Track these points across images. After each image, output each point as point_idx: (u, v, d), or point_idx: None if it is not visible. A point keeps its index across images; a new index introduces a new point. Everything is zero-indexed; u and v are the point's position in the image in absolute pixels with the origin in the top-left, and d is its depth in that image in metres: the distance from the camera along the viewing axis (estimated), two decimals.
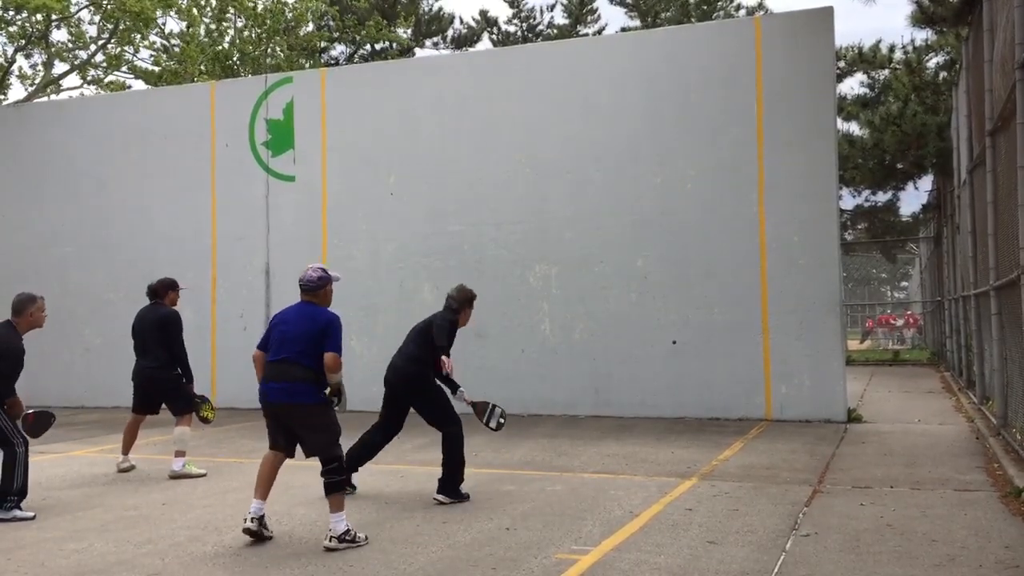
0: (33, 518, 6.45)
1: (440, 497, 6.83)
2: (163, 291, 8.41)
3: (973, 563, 5.05)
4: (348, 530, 5.56)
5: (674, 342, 11.97)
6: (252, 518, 5.67)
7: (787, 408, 11.49)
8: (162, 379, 8.21)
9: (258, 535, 5.68)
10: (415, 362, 7.10)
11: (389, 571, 5.05)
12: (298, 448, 5.88)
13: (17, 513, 6.46)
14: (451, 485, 6.88)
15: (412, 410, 7.26)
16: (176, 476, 7.92)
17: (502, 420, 7.29)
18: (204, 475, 8.03)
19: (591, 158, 12.49)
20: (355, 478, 7.24)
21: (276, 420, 5.84)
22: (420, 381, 7.08)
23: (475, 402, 7.28)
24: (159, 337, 8.18)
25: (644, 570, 4.99)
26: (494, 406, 7.32)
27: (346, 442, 6.05)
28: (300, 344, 5.68)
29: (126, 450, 8.42)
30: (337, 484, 5.62)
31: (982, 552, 5.27)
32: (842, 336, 11.87)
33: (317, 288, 5.88)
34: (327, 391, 5.76)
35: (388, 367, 7.27)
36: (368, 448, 7.29)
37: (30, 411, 6.91)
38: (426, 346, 7.09)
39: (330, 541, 5.52)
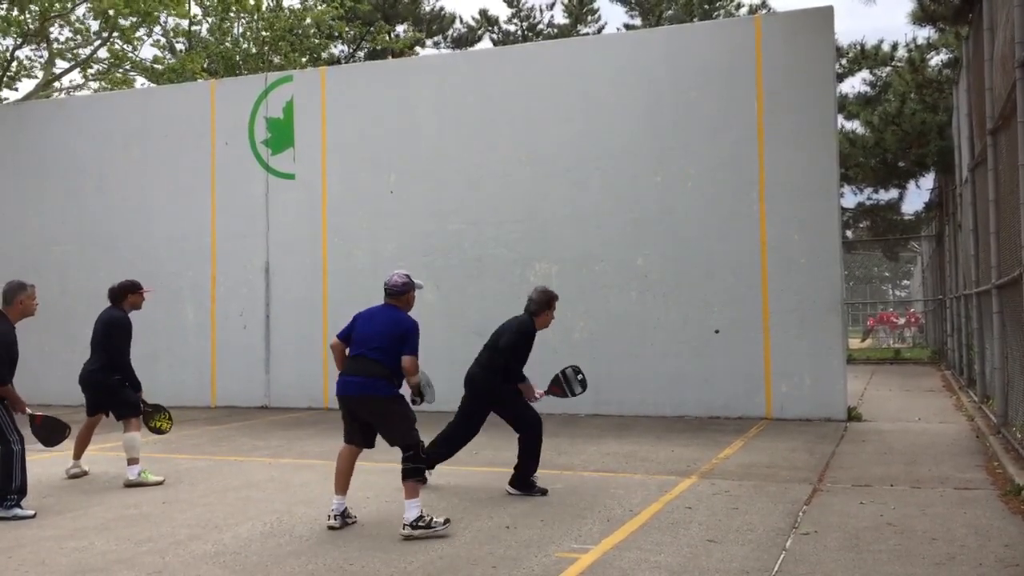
0: (33, 516, 6.46)
1: (510, 489, 7.04)
2: (121, 294, 7.92)
3: (973, 561, 5.05)
4: (421, 516, 5.63)
5: (717, 331, 11.91)
6: (334, 515, 5.98)
7: (787, 407, 11.48)
8: (98, 382, 7.83)
9: (341, 528, 5.95)
10: (484, 370, 7.26)
11: (389, 569, 5.05)
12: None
13: (18, 511, 6.46)
14: (522, 479, 7.06)
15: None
16: (131, 485, 7.52)
17: (580, 378, 7.31)
18: (161, 482, 7.64)
19: (591, 157, 12.48)
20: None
21: (352, 413, 6.09)
22: (487, 390, 7.22)
23: (550, 388, 7.41)
24: (101, 340, 7.82)
25: (644, 568, 4.99)
26: (566, 373, 7.39)
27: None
28: (380, 343, 5.97)
29: (77, 455, 8.11)
30: (413, 471, 5.76)
31: (982, 551, 5.27)
32: (843, 335, 11.86)
33: (400, 292, 6.18)
34: (411, 392, 6.05)
35: (467, 372, 7.37)
36: (448, 444, 7.42)
37: (37, 413, 6.88)
38: (495, 354, 7.25)
39: (404, 529, 5.60)
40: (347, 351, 6.21)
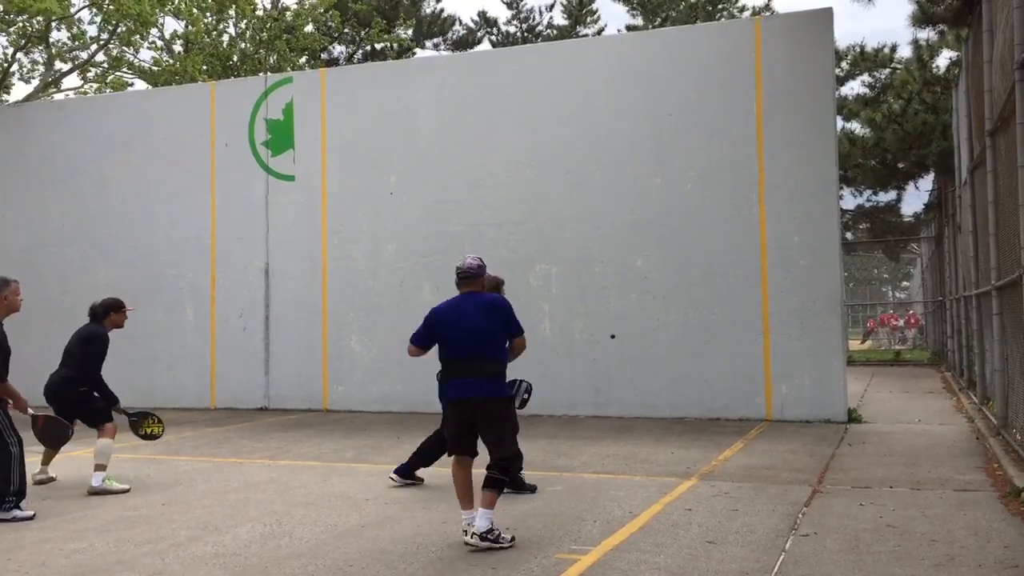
0: (32, 518, 6.45)
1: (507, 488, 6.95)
2: (104, 313, 7.83)
3: (973, 563, 5.05)
4: (491, 528, 5.43)
5: (612, 336, 12.11)
6: (473, 533, 5.46)
7: (787, 408, 11.48)
8: (63, 393, 7.64)
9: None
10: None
11: (389, 571, 5.04)
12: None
13: (17, 513, 6.45)
14: (513, 479, 6.98)
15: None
16: (95, 492, 7.36)
17: (526, 396, 6.84)
18: (127, 490, 7.44)
19: (591, 158, 12.49)
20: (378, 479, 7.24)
21: (463, 418, 5.68)
22: None
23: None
24: (77, 352, 7.66)
25: (644, 570, 4.98)
26: (519, 382, 6.82)
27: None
28: (485, 336, 5.65)
29: (46, 461, 7.93)
30: (498, 481, 5.56)
31: (982, 552, 5.27)
32: (843, 336, 11.87)
33: (477, 275, 5.85)
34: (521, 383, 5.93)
35: None
36: (437, 447, 7.41)
37: (39, 415, 6.86)
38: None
39: (472, 538, 5.41)
40: (440, 354, 5.82)
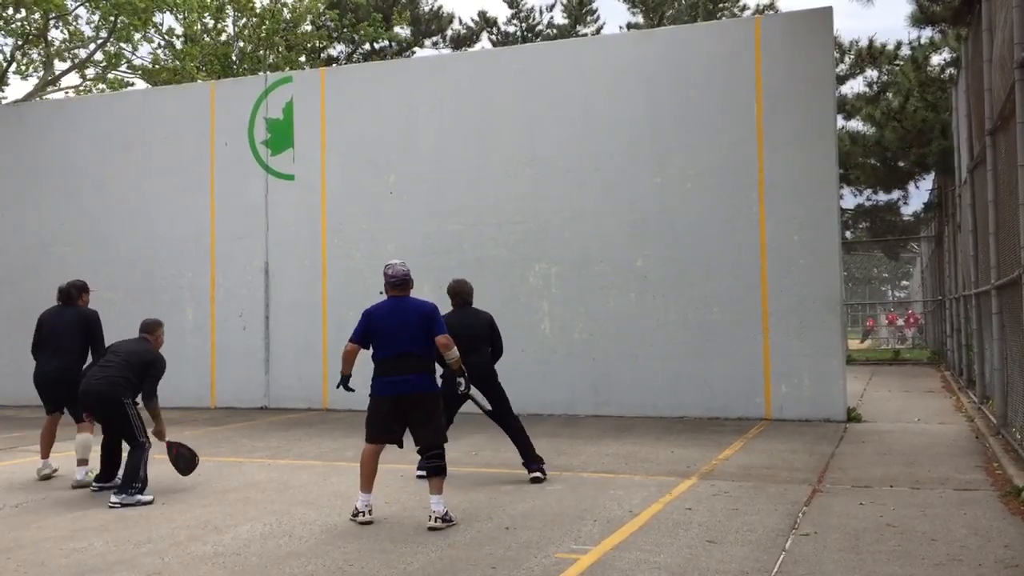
0: (152, 502, 6.82)
1: (542, 476, 7.56)
2: (78, 294, 8.14)
3: (973, 562, 5.05)
4: (447, 511, 6.01)
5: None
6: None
7: (787, 407, 11.48)
8: (73, 383, 7.60)
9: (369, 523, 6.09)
10: (488, 361, 7.73)
11: (389, 571, 5.04)
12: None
13: (140, 498, 6.82)
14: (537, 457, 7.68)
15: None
16: (79, 486, 7.50)
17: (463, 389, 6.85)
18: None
19: (591, 158, 12.49)
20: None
21: (395, 412, 6.19)
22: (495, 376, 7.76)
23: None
24: (78, 337, 7.89)
25: (644, 569, 4.98)
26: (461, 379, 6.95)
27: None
28: (415, 336, 6.17)
29: (45, 454, 8.03)
30: (441, 468, 6.11)
31: (982, 551, 5.27)
32: (842, 335, 11.87)
33: (409, 283, 6.46)
34: (459, 378, 6.49)
35: (475, 366, 7.52)
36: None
37: (173, 444, 7.49)
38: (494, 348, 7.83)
39: (435, 522, 5.92)
40: (376, 354, 6.25)
